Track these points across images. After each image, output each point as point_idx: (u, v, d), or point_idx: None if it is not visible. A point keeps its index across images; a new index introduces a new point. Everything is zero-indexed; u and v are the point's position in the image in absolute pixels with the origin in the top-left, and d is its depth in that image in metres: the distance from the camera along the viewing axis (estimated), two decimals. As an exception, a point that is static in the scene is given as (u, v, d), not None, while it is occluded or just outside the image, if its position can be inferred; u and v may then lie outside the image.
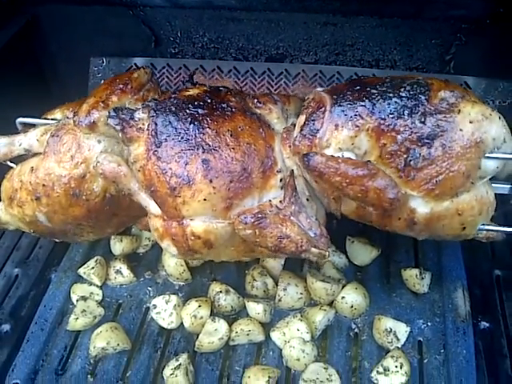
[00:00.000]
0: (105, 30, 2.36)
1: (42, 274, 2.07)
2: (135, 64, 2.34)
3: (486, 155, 1.48)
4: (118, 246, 2.00)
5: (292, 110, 1.67)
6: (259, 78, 2.29)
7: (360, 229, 2.00)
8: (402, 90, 1.48)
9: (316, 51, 2.32)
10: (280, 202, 1.53)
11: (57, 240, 1.89)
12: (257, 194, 1.52)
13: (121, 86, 1.61)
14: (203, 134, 1.50)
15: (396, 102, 1.46)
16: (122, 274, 1.93)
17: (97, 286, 1.93)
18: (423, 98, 1.47)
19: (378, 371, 1.64)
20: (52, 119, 1.74)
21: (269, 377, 1.60)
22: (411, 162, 1.45)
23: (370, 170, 1.42)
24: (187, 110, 1.55)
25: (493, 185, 1.60)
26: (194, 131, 1.51)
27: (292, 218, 1.49)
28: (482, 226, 1.59)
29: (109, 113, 1.55)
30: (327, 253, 1.51)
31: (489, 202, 1.56)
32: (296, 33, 2.28)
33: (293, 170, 1.56)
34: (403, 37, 2.23)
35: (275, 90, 2.29)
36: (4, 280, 2.05)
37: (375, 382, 1.63)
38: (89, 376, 1.71)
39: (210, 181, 1.48)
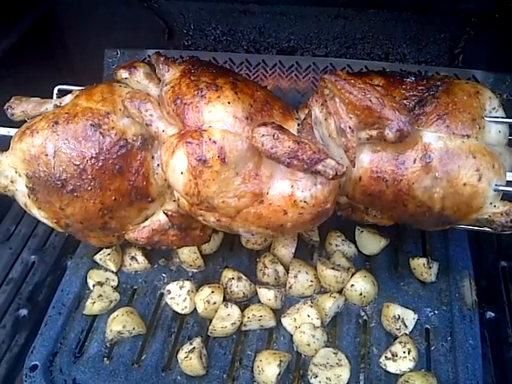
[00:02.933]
0: (119, 23, 2.39)
1: (58, 261, 2.13)
2: (149, 56, 2.37)
3: (487, 119, 1.61)
4: (133, 233, 2.04)
5: None
6: (270, 70, 2.32)
7: (369, 219, 2.05)
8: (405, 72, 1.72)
9: (327, 44, 2.35)
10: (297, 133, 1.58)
11: (41, 215, 1.73)
12: None
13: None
14: (234, 75, 1.64)
15: (402, 73, 1.69)
16: (136, 261, 1.98)
17: (112, 271, 1.97)
18: (423, 73, 1.73)
19: (386, 357, 1.68)
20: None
21: (280, 361, 1.65)
22: (420, 104, 1.58)
23: (385, 89, 1.52)
24: (221, 67, 1.80)
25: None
26: (226, 71, 1.67)
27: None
28: (496, 187, 1.57)
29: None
30: (345, 168, 1.45)
31: (499, 163, 1.57)
32: (307, 26, 2.31)
33: (310, 110, 1.60)
34: (413, 30, 2.25)
35: (286, 83, 2.32)
36: (21, 266, 2.11)
37: (383, 367, 1.68)
38: (105, 359, 1.76)
39: (236, 93, 1.55)
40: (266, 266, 1.90)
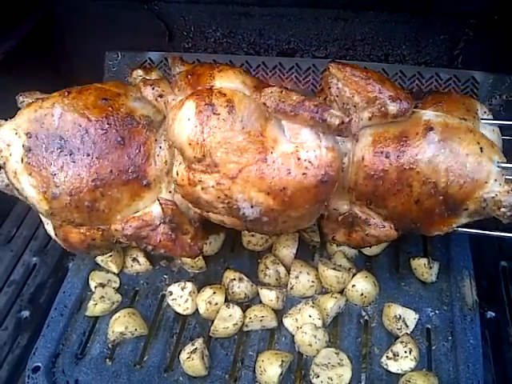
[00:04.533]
0: (120, 25, 2.40)
1: (59, 263, 2.13)
2: (149, 58, 2.39)
3: (482, 121, 1.65)
4: (134, 235, 2.04)
5: None
6: (270, 72, 2.33)
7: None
8: None
9: (326, 46, 2.36)
10: None
11: (29, 182, 1.65)
12: None
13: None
14: None
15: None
16: (138, 262, 1.98)
17: (114, 273, 1.98)
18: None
19: (387, 356, 1.69)
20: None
21: (282, 361, 1.65)
22: (415, 100, 1.63)
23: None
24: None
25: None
26: None
27: None
28: (498, 164, 1.56)
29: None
30: (349, 118, 1.51)
31: (497, 147, 1.60)
32: (307, 28, 2.32)
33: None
34: (412, 32, 2.26)
35: (286, 85, 2.33)
36: (23, 268, 2.11)
37: (385, 366, 1.68)
38: (107, 360, 1.76)
39: (246, 72, 1.65)
40: (267, 267, 1.91)
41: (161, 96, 1.64)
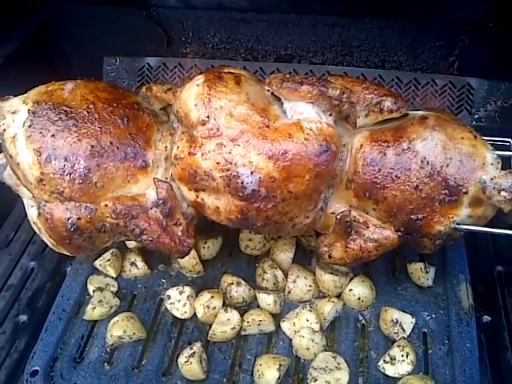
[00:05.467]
0: (118, 30, 2.42)
1: (57, 267, 2.13)
2: (148, 63, 2.40)
3: None
4: (132, 239, 2.05)
5: None
6: (268, 77, 2.35)
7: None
8: None
9: (323, 52, 2.39)
10: None
11: (26, 145, 1.61)
12: None
13: None
14: None
15: None
16: (136, 266, 1.99)
17: (112, 277, 1.98)
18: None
19: (384, 360, 1.70)
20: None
21: (280, 365, 1.66)
22: None
23: None
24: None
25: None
26: None
27: None
28: (493, 152, 1.59)
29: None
30: (350, 91, 1.60)
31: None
32: (304, 34, 2.34)
33: None
34: (408, 38, 2.29)
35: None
36: (21, 272, 2.11)
37: (382, 370, 1.69)
38: (105, 364, 1.76)
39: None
40: (264, 271, 1.92)
41: (169, 89, 1.75)
